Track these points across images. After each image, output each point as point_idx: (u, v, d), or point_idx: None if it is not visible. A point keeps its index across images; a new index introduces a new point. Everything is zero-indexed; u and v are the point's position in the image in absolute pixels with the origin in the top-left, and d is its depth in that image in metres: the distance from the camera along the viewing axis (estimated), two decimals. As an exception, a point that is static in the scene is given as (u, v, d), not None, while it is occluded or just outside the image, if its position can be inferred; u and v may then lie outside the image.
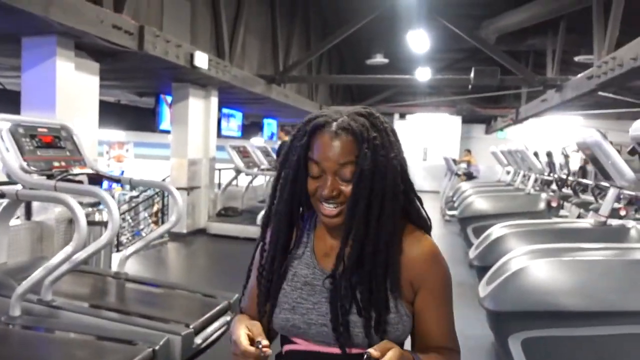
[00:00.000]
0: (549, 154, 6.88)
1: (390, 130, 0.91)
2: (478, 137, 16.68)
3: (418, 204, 0.96)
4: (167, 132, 8.33)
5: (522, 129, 14.28)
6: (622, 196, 3.49)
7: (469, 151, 15.42)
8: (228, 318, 3.37)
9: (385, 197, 0.86)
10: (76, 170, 3.42)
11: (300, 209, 0.98)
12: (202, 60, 5.68)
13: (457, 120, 15.53)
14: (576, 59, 9.34)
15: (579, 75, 6.91)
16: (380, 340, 0.85)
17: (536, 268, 2.14)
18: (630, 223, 3.30)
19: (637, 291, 1.96)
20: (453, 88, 14.45)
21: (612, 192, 3.48)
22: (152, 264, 5.45)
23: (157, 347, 2.56)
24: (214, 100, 7.32)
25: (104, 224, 4.43)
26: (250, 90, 7.60)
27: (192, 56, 5.55)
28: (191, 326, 2.89)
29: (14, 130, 2.95)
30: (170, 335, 2.71)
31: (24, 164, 2.91)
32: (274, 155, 8.25)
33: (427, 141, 15.86)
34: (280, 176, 0.95)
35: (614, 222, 3.34)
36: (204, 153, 7.19)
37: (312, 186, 0.90)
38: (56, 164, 3.20)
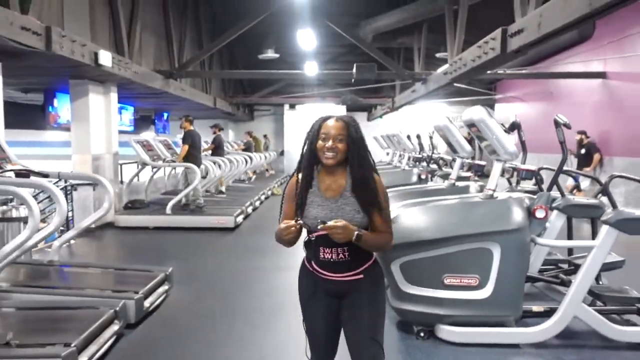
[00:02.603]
0: (418, 136, 8.26)
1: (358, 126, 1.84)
2: (361, 124, 18.18)
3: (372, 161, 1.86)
4: (63, 129, 8.21)
5: (397, 115, 16.08)
6: (464, 165, 4.70)
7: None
8: (166, 287, 3.92)
9: (365, 152, 1.79)
10: (9, 166, 3.67)
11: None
12: (106, 58, 5.90)
13: (342, 109, 16.89)
14: (437, 55, 11.06)
15: (438, 71, 8.36)
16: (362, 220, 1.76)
17: (408, 213, 3.10)
18: (470, 183, 4.52)
19: (465, 221, 3.00)
20: (338, 80, 15.71)
21: (458, 162, 4.68)
22: (68, 257, 5.58)
23: (117, 309, 3.07)
24: (114, 96, 7.45)
25: (22, 220, 4.60)
26: (149, 85, 7.84)
27: (96, 55, 5.75)
28: (140, 292, 3.42)
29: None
30: (126, 300, 3.23)
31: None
32: (175, 148, 8.53)
33: (317, 129, 16.94)
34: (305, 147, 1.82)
35: (461, 183, 4.54)
36: (106, 148, 7.31)
37: (321, 145, 1.77)
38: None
